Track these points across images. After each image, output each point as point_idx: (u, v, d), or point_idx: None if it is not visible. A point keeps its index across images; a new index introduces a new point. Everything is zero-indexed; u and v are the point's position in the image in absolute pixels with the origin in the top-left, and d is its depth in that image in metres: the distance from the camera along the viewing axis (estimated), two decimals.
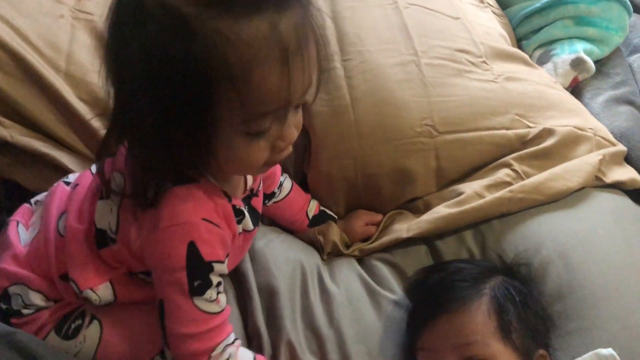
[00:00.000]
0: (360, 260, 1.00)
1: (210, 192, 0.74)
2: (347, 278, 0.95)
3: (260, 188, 0.89)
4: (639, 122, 1.22)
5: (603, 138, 1.07)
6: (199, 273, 0.73)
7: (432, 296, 0.85)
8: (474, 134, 1.01)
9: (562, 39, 1.38)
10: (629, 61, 1.38)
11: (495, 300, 0.81)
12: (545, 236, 0.93)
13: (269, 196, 1.00)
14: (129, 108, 0.67)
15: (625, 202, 1.03)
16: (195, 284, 0.73)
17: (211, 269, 0.74)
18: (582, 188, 1.00)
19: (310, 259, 0.97)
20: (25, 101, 1.00)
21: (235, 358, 0.78)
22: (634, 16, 1.43)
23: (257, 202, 0.88)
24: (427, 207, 1.01)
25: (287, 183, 1.02)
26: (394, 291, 0.94)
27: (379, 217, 1.04)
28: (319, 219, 1.04)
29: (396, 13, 1.13)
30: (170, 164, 0.70)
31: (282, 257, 0.95)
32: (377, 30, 1.10)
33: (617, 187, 1.04)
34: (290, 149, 0.74)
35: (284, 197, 1.01)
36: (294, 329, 0.88)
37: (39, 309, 0.81)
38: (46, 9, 1.09)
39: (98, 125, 1.01)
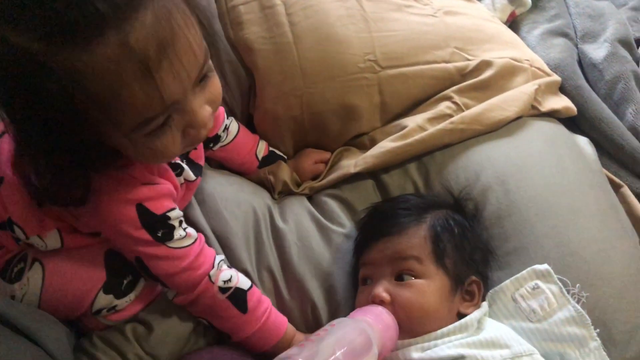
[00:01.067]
0: (310, 198, 1.02)
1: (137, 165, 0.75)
2: (298, 216, 0.96)
3: None
4: (573, 53, 1.27)
5: (539, 69, 1.11)
6: (158, 226, 0.77)
7: (376, 222, 0.90)
8: (415, 68, 1.03)
9: None
10: None
11: (433, 229, 0.86)
12: (485, 164, 0.97)
13: (213, 139, 0.99)
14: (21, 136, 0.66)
15: (560, 129, 1.07)
16: (160, 234, 0.77)
17: (167, 218, 0.77)
18: (520, 117, 1.03)
19: (261, 200, 0.98)
20: None
21: (237, 277, 0.83)
22: None
23: (197, 154, 0.89)
24: (373, 142, 1.03)
25: (234, 126, 1.02)
26: (344, 225, 0.96)
27: (327, 154, 1.06)
28: (269, 159, 1.05)
29: None
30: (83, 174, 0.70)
31: (233, 200, 0.96)
32: None
33: (552, 115, 1.09)
34: (211, 124, 0.71)
35: (231, 141, 1.01)
36: (251, 271, 0.90)
37: None
38: None
39: None
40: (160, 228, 0.77)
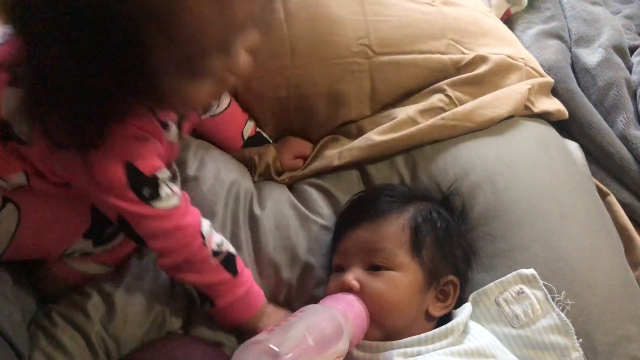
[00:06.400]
0: (291, 186, 0.98)
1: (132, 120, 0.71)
2: (277, 204, 0.93)
3: None
4: (566, 56, 1.26)
5: (533, 69, 1.08)
6: (145, 186, 0.73)
7: (356, 209, 0.87)
8: (409, 56, 0.99)
9: None
10: None
11: (414, 219, 0.83)
12: (475, 162, 0.94)
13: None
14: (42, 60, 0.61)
15: (551, 132, 1.05)
16: (146, 193, 0.74)
17: (156, 178, 0.75)
18: (512, 117, 1.01)
19: (242, 180, 0.94)
20: None
21: (229, 244, 0.82)
22: None
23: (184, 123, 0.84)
24: (360, 132, 0.99)
25: (225, 98, 0.97)
26: (324, 216, 0.93)
27: (308, 150, 1.02)
28: (254, 140, 1.01)
29: None
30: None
31: (217, 178, 0.92)
32: None
33: (544, 117, 1.07)
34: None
35: (221, 112, 0.96)
36: None
37: None
38: None
39: None
40: (147, 187, 0.74)
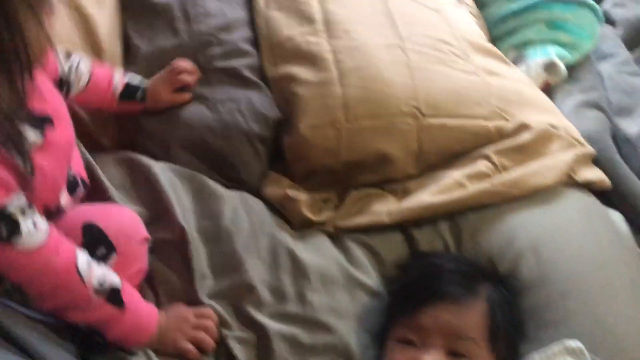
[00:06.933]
0: (334, 238, 0.98)
1: None
2: (321, 257, 0.93)
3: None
4: (606, 126, 1.26)
5: (575, 138, 1.10)
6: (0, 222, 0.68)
7: (426, 282, 0.85)
8: (456, 120, 1.02)
9: (535, 42, 1.40)
10: (597, 68, 1.41)
11: (490, 308, 0.83)
12: (519, 230, 0.94)
13: (63, 85, 0.91)
14: None
15: (594, 202, 1.05)
16: (3, 233, 0.68)
17: (4, 210, 0.68)
18: (556, 185, 1.01)
19: (280, 231, 0.95)
20: None
21: (112, 275, 0.77)
22: (604, 26, 1.47)
23: (42, 104, 0.75)
24: (405, 191, 1.01)
25: (84, 64, 0.94)
26: (371, 276, 0.92)
27: (185, 79, 1.02)
28: (128, 93, 0.99)
29: (380, 0, 1.14)
30: None
31: (250, 233, 0.92)
32: (363, 13, 1.11)
33: (586, 187, 1.07)
34: None
35: (87, 82, 0.94)
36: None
37: None
38: None
39: None
40: (2, 223, 0.68)
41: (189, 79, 1.04)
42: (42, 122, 0.74)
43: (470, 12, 1.40)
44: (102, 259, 0.80)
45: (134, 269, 0.84)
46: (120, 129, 1.07)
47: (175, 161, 0.99)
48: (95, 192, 0.91)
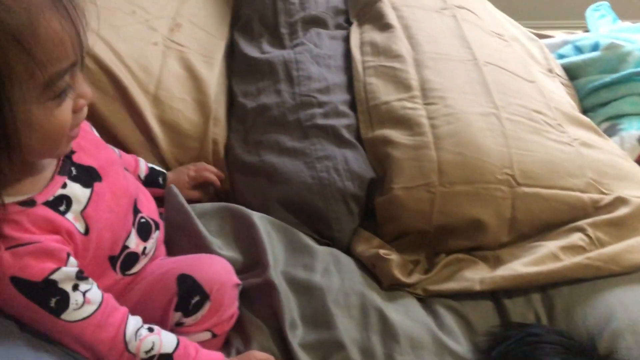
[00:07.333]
0: (423, 301, 0.97)
1: (2, 218, 0.67)
2: (411, 320, 0.92)
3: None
4: None
5: None
6: (45, 294, 0.69)
7: (530, 351, 0.83)
8: (551, 191, 1.01)
9: (629, 115, 1.39)
10: None
11: None
12: (617, 308, 0.91)
13: None
14: None
15: None
16: (52, 304, 0.69)
17: (54, 283, 0.69)
18: None
19: (370, 290, 0.95)
20: (113, 118, 1.06)
21: (160, 340, 0.77)
22: None
23: (84, 156, 0.78)
24: (497, 259, 0.99)
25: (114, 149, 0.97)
26: (461, 343, 0.90)
27: (207, 176, 1.05)
28: (151, 177, 1.01)
29: (475, 69, 1.18)
30: None
31: (340, 290, 0.93)
32: (458, 81, 1.14)
33: None
34: (86, 110, 0.70)
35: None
36: None
37: None
38: (142, 35, 1.15)
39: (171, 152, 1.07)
40: (51, 296, 0.68)
41: (213, 177, 1.08)
42: (90, 175, 0.77)
43: (562, 83, 1.41)
44: (197, 306, 0.83)
45: (226, 315, 0.87)
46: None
47: (270, 214, 1.02)
48: (190, 238, 0.96)
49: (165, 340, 0.78)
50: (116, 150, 0.97)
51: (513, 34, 1.47)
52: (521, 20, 1.67)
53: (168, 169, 1.09)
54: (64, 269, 0.69)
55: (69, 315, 0.70)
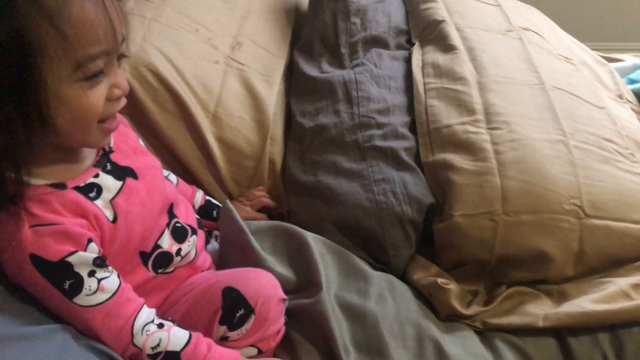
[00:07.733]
0: (481, 334, 0.93)
1: (32, 196, 0.69)
2: (468, 354, 0.88)
3: (112, 144, 0.81)
4: None
5: None
6: (60, 275, 0.70)
7: None
8: (621, 224, 0.96)
9: None
10: None
11: None
12: None
13: None
14: None
15: None
16: (67, 285, 0.70)
17: (69, 265, 0.70)
18: None
19: (425, 322, 0.92)
20: (174, 134, 1.08)
21: (168, 337, 0.76)
22: None
23: (122, 157, 0.80)
24: (563, 295, 0.95)
25: (173, 176, 0.99)
26: None
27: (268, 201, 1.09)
28: (206, 210, 1.02)
29: (542, 94, 1.14)
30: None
31: (395, 318, 0.90)
32: (524, 106, 1.10)
33: None
34: (124, 101, 0.72)
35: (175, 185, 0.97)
36: None
37: None
38: (204, 53, 1.17)
39: (228, 171, 1.08)
40: (65, 278, 0.70)
41: (269, 201, 1.11)
42: (124, 172, 0.79)
43: (633, 110, 1.35)
44: (241, 320, 0.83)
45: (272, 330, 0.86)
46: (272, 200, 1.13)
47: (324, 235, 1.01)
48: (244, 255, 0.95)
49: (174, 337, 0.78)
50: (174, 178, 0.99)
51: (582, 57, 1.42)
52: (589, 42, 1.61)
53: (225, 187, 1.10)
54: (81, 253, 0.71)
55: (81, 299, 0.71)
